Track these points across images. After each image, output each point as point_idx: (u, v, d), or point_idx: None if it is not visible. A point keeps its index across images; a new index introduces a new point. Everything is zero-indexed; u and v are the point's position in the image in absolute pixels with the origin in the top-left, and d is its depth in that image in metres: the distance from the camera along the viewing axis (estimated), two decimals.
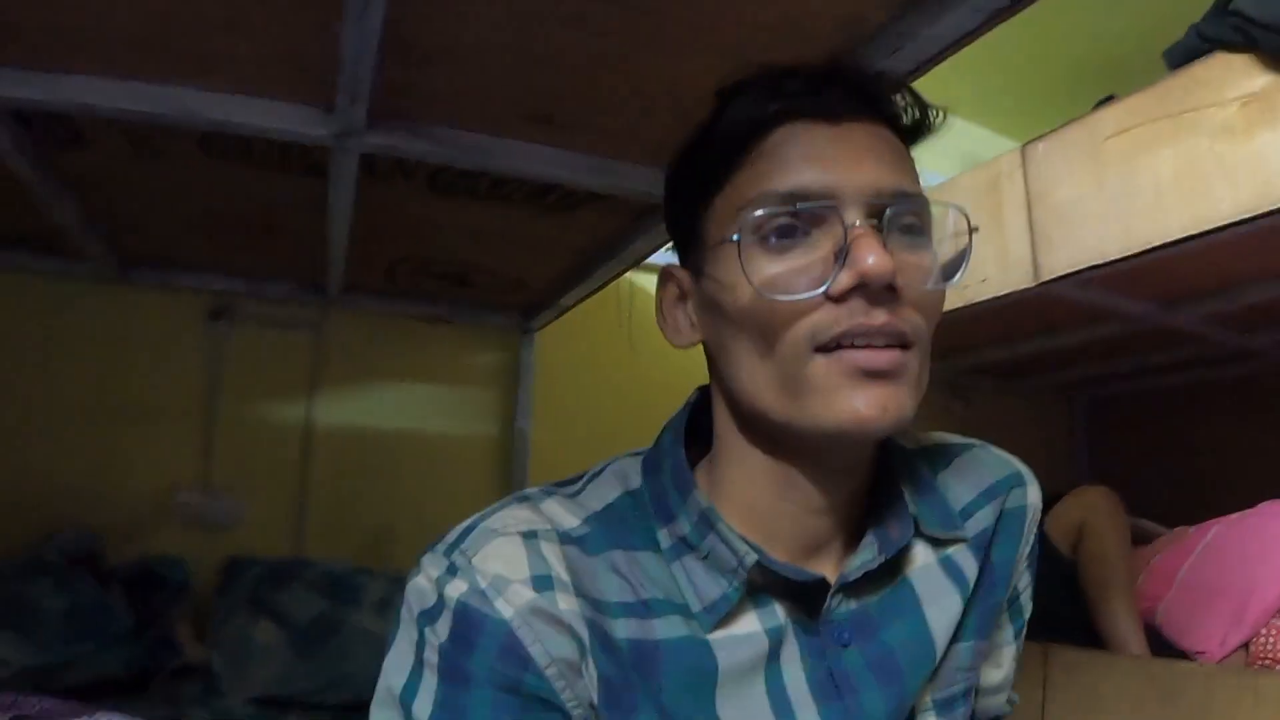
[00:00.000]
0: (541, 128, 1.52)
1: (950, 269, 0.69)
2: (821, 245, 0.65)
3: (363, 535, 2.64)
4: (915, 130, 0.72)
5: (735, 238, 0.65)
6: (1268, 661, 1.77)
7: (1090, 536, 2.02)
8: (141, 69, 1.37)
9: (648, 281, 2.96)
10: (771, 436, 0.69)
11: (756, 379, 0.67)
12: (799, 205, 0.64)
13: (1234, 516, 2.02)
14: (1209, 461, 3.05)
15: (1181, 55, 1.67)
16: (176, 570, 2.31)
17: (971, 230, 0.70)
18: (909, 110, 0.71)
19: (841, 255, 0.63)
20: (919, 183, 0.69)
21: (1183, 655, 1.88)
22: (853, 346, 0.63)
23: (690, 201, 0.72)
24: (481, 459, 2.87)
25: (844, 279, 0.63)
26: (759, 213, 0.65)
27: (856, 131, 0.67)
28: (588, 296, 2.53)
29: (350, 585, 2.30)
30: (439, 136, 1.51)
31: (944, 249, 0.69)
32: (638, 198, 1.74)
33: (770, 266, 0.65)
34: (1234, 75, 1.53)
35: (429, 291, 2.66)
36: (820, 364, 0.64)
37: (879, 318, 0.63)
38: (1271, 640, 1.79)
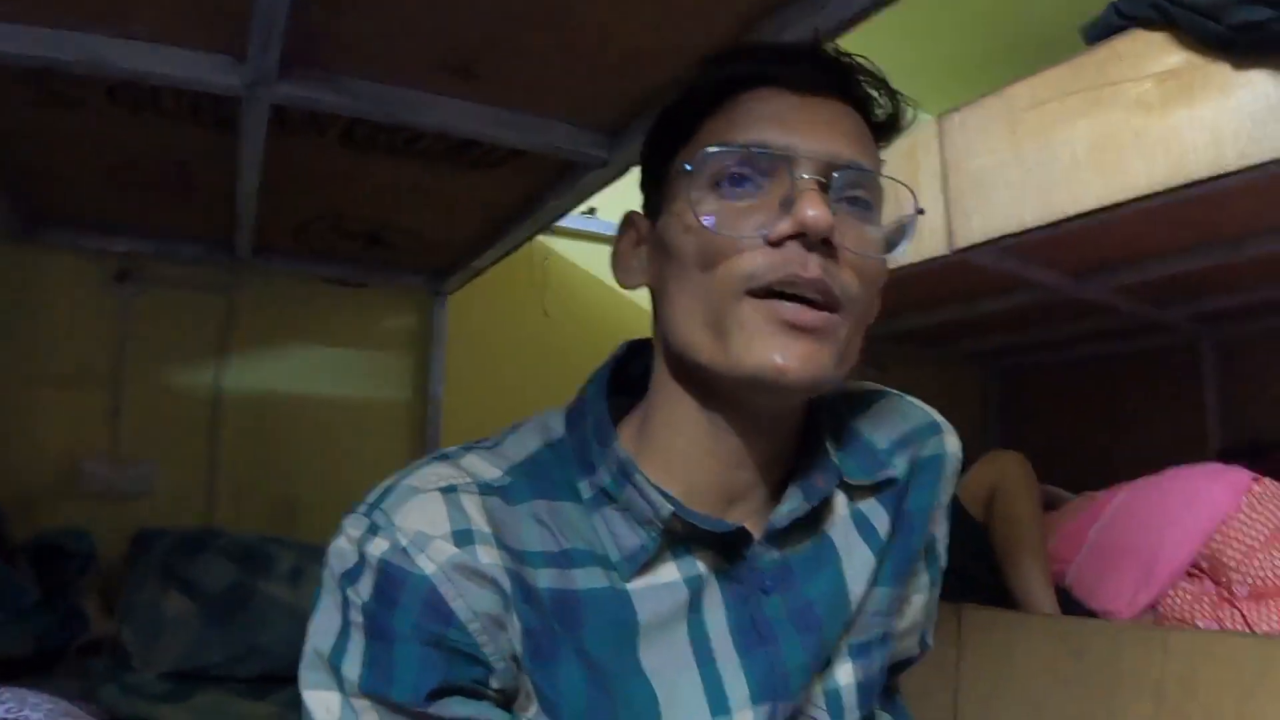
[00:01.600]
0: (461, 80, 1.48)
1: (892, 242, 0.72)
2: (770, 195, 0.67)
3: (274, 503, 2.59)
4: (888, 126, 0.76)
5: (688, 167, 0.69)
6: (1176, 621, 1.83)
7: (1001, 500, 2.06)
8: (49, 14, 1.30)
9: (562, 246, 2.97)
10: (700, 382, 0.71)
11: (689, 318, 0.69)
12: (753, 149, 0.67)
13: (1141, 481, 2.08)
14: (1120, 431, 3.14)
15: (1099, 31, 1.70)
16: (83, 542, 2.23)
17: (918, 211, 0.73)
18: (881, 103, 0.75)
19: (786, 205, 0.66)
20: (876, 165, 0.72)
21: (1092, 615, 1.93)
22: (783, 297, 0.65)
23: (662, 151, 0.75)
24: (394, 424, 2.83)
25: (784, 226, 0.65)
26: (714, 149, 0.68)
27: (823, 105, 0.70)
28: (501, 258, 2.50)
29: (262, 554, 2.24)
30: (354, 88, 1.47)
31: (892, 226, 0.73)
32: (555, 155, 1.71)
33: (717, 205, 0.68)
34: (1151, 52, 1.56)
35: (341, 253, 2.60)
36: (749, 306, 0.66)
37: (813, 269, 0.65)
38: (1179, 601, 1.85)
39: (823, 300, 0.66)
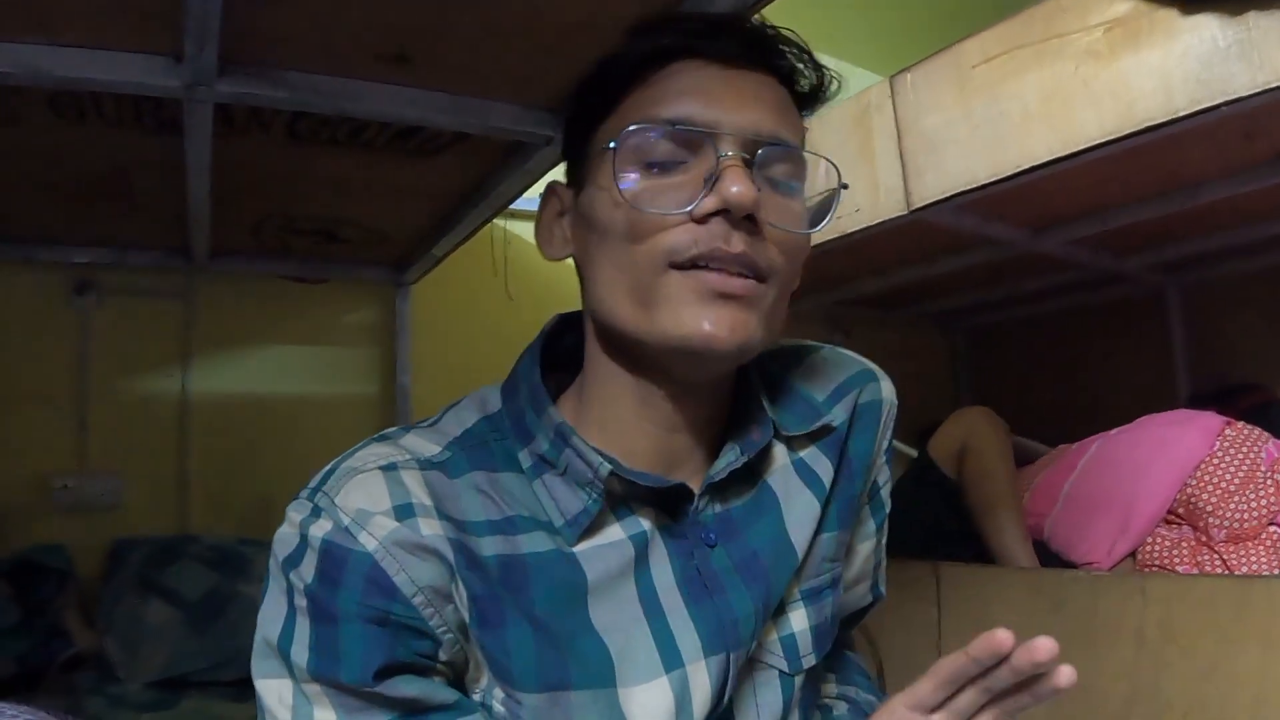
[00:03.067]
0: (399, 67, 1.47)
1: (816, 217, 0.73)
2: (694, 171, 0.68)
3: (247, 505, 2.58)
4: (812, 96, 0.76)
5: (612, 145, 0.68)
6: (1155, 568, 1.84)
7: (973, 456, 2.06)
8: None
9: (521, 229, 2.95)
10: (629, 352, 0.72)
11: (614, 290, 0.70)
12: (677, 125, 0.67)
13: (1114, 431, 2.09)
14: (1090, 383, 3.16)
15: None
16: (58, 558, 2.22)
17: (841, 186, 0.74)
18: (806, 74, 0.74)
19: (710, 181, 0.66)
20: (800, 137, 0.73)
21: (1071, 567, 1.94)
22: (707, 269, 0.66)
23: (584, 122, 0.75)
24: (364, 418, 2.82)
25: (708, 202, 0.66)
26: (639, 126, 0.68)
27: (746, 77, 0.70)
28: (459, 244, 2.49)
29: (238, 557, 2.24)
30: (294, 82, 1.46)
31: (815, 200, 0.73)
32: (501, 136, 1.71)
33: (642, 181, 0.68)
34: (1098, 2, 1.56)
35: (298, 250, 2.58)
36: (674, 279, 0.66)
37: (736, 245, 0.66)
38: (1158, 548, 1.86)
39: (748, 273, 0.67)
